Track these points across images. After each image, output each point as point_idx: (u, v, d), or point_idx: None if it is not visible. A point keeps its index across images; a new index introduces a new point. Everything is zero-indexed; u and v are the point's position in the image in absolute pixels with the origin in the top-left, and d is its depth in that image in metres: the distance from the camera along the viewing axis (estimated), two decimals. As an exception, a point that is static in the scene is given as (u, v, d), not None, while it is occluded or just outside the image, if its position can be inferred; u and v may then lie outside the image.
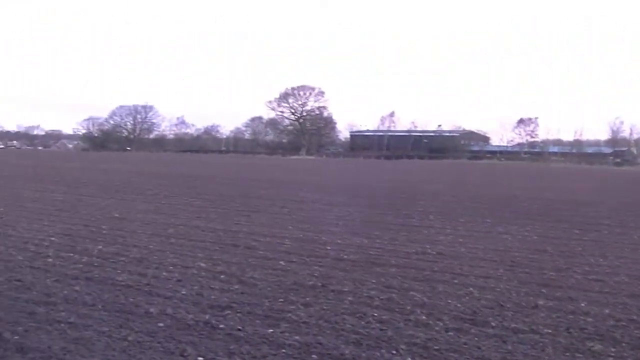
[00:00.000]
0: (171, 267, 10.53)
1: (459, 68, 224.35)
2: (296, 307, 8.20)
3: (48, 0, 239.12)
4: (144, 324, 7.31)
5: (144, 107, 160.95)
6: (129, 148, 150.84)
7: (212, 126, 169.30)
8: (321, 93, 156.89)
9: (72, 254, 11.29)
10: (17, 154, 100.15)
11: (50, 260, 10.73)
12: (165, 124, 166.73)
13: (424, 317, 7.87)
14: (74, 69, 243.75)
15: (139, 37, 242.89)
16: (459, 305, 8.51)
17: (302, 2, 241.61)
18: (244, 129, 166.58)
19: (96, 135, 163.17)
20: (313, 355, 6.48)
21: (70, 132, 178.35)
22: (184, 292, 8.82)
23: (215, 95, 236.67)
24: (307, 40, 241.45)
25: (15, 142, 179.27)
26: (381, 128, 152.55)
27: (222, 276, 9.99)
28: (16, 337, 6.73)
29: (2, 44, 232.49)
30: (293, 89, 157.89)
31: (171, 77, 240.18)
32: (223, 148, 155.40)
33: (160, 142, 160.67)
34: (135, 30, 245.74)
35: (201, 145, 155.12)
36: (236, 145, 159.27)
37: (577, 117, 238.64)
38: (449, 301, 8.72)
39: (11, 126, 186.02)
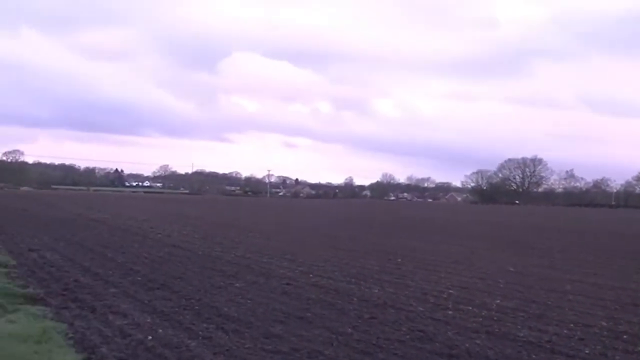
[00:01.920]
0: (572, 325, 10.14)
1: None
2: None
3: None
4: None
5: (533, 160, 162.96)
6: (517, 202, 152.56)
7: (601, 179, 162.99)
8: None
9: (470, 307, 11.49)
10: (407, 206, 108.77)
11: (450, 312, 11.02)
12: (554, 178, 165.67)
13: None
14: (469, 125, 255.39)
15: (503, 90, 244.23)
16: None
17: None
18: (634, 182, 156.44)
19: (484, 188, 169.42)
20: None
21: (459, 185, 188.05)
22: (587, 352, 8.48)
23: (604, 148, 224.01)
24: None
25: (405, 194, 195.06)
26: None
27: (624, 336, 9.44)
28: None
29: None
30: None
31: (560, 130, 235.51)
32: (613, 202, 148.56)
33: (549, 196, 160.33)
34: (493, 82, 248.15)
35: (590, 199, 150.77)
36: (627, 199, 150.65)
37: None
38: None
39: (402, 178, 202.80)
